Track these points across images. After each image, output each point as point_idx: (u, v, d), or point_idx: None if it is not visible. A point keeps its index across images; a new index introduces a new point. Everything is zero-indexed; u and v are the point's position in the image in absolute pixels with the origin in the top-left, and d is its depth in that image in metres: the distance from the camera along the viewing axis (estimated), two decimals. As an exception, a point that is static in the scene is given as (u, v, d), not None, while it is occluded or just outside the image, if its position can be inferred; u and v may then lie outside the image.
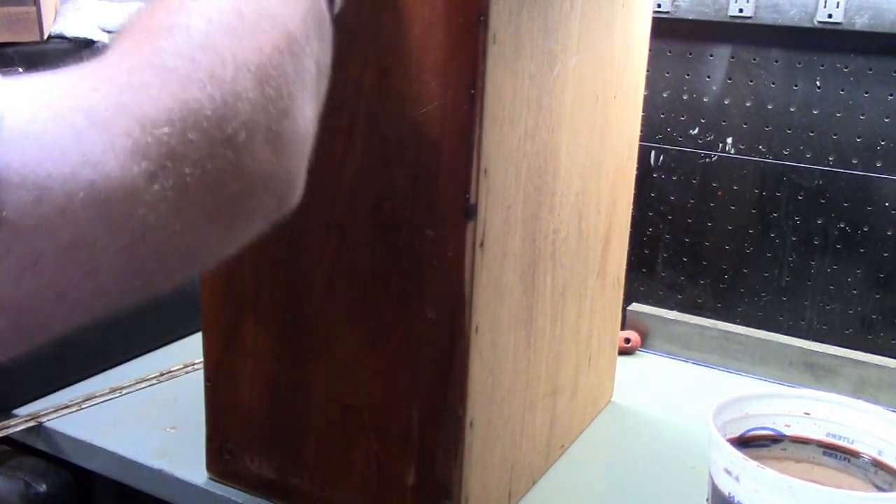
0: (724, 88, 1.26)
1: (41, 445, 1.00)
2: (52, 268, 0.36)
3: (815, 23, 1.16)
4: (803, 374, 1.22)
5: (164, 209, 0.40)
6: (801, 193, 1.23)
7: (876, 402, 1.03)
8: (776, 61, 1.22)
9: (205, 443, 0.90)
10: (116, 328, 1.13)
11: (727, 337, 1.27)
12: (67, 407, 1.02)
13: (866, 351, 1.21)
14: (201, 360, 0.88)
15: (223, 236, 0.46)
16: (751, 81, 1.24)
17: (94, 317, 0.41)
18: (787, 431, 0.83)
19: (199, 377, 0.89)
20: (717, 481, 0.74)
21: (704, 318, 1.31)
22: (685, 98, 1.28)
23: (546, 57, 0.78)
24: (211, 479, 0.90)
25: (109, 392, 1.07)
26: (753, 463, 0.69)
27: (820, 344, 1.23)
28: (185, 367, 1.15)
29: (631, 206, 1.09)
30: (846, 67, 1.18)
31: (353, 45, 0.72)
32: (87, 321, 0.41)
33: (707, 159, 1.29)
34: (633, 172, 1.07)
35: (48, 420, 1.00)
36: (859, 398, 0.86)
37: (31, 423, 0.99)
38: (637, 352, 1.31)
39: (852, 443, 0.81)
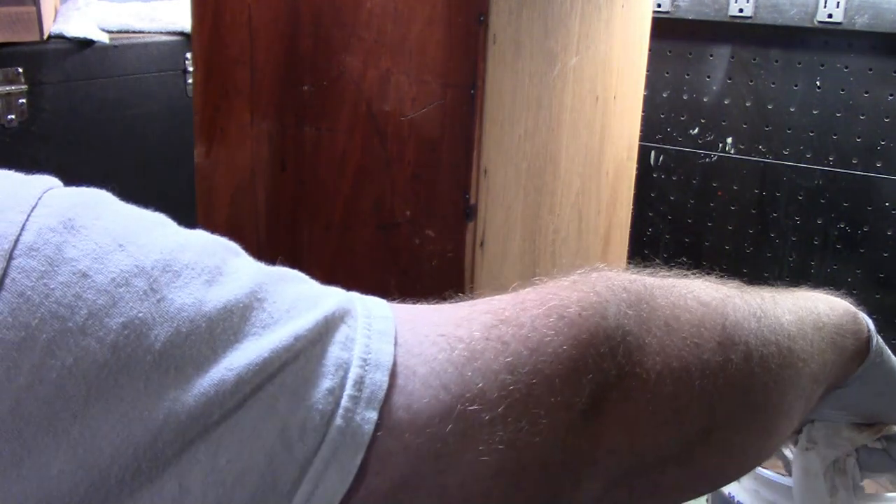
0: (724, 88, 1.26)
1: (41, 445, 0.99)
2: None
3: (815, 23, 1.16)
4: (803, 374, 1.22)
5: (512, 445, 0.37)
6: (801, 193, 1.23)
7: (876, 402, 1.02)
8: (776, 61, 1.22)
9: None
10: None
11: (727, 337, 1.27)
12: (67, 407, 1.02)
13: (866, 351, 1.21)
14: (201, 360, 0.88)
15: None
16: (751, 81, 1.24)
17: None
18: (787, 431, 0.83)
19: (199, 377, 0.89)
20: (717, 481, 0.74)
21: (704, 318, 1.31)
22: (685, 98, 1.28)
23: (546, 57, 0.78)
24: (211, 479, 0.90)
25: (109, 392, 1.07)
26: (753, 463, 0.69)
27: (820, 344, 1.23)
28: (185, 367, 1.15)
29: (631, 206, 1.08)
30: (846, 67, 1.18)
31: (354, 44, 0.72)
32: None
33: (707, 159, 1.29)
34: (633, 172, 1.07)
35: (48, 420, 0.99)
36: (859, 398, 0.86)
37: (31, 423, 0.98)
38: (637, 352, 1.31)
39: (852, 443, 0.81)
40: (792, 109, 1.22)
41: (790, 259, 1.25)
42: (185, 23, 1.21)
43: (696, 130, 1.29)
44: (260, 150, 0.79)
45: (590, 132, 0.90)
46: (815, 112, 1.21)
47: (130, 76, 1.12)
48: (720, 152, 1.28)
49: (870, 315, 0.53)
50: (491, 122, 0.70)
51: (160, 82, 1.15)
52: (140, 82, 1.12)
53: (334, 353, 0.35)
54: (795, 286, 0.50)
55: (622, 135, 1.00)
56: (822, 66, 1.19)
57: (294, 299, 0.36)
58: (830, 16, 1.15)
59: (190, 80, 1.15)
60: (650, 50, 1.04)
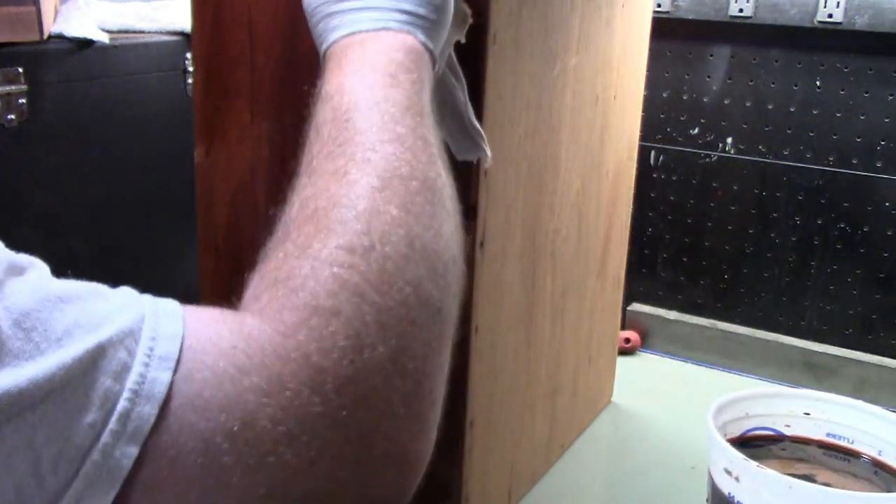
0: (724, 88, 1.26)
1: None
2: None
3: (815, 23, 1.16)
4: (803, 374, 1.22)
5: None
6: (801, 193, 1.24)
7: (876, 402, 1.03)
8: (776, 61, 1.22)
9: (205, 443, 0.89)
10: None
11: (727, 337, 1.27)
12: (67, 407, 1.02)
13: (866, 351, 1.21)
14: (201, 360, 0.88)
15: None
16: (751, 81, 1.24)
17: None
18: (787, 431, 0.83)
19: (199, 377, 0.89)
20: (717, 481, 0.74)
21: (704, 318, 1.31)
22: (685, 98, 1.28)
23: (546, 57, 0.78)
24: (211, 479, 0.90)
25: (109, 392, 1.07)
26: (753, 463, 0.69)
27: (820, 344, 1.23)
28: (185, 367, 1.14)
29: (631, 206, 1.08)
30: (846, 67, 1.18)
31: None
32: None
33: (707, 159, 1.29)
34: (633, 172, 1.07)
35: (48, 420, 0.99)
36: (859, 398, 0.86)
37: (31, 423, 0.98)
38: (637, 352, 1.31)
39: (852, 443, 0.81)
40: (792, 109, 1.22)
41: (790, 259, 1.25)
42: (185, 23, 1.21)
43: (696, 130, 1.29)
44: (260, 150, 0.78)
45: (590, 132, 0.90)
46: (815, 112, 1.21)
47: (130, 76, 1.12)
48: (720, 152, 1.28)
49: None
50: (491, 122, 0.70)
51: (160, 82, 1.15)
52: (140, 82, 1.12)
53: (105, 384, 0.34)
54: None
55: (622, 135, 1.00)
56: (822, 66, 1.19)
57: (71, 325, 0.35)
58: (830, 16, 1.15)
59: (190, 80, 1.15)
60: (650, 50, 1.04)
